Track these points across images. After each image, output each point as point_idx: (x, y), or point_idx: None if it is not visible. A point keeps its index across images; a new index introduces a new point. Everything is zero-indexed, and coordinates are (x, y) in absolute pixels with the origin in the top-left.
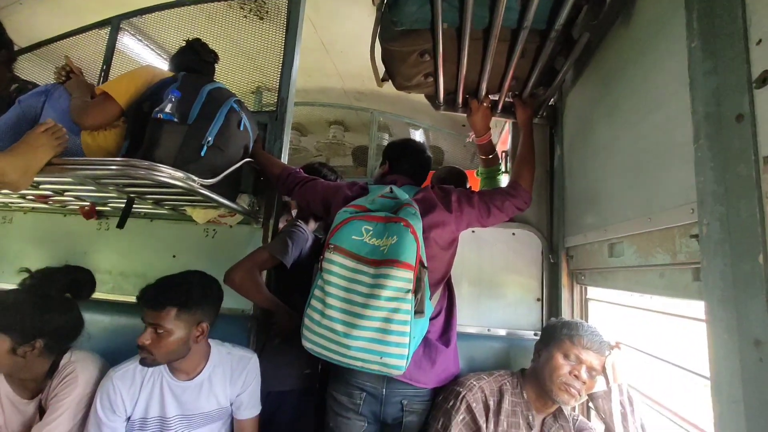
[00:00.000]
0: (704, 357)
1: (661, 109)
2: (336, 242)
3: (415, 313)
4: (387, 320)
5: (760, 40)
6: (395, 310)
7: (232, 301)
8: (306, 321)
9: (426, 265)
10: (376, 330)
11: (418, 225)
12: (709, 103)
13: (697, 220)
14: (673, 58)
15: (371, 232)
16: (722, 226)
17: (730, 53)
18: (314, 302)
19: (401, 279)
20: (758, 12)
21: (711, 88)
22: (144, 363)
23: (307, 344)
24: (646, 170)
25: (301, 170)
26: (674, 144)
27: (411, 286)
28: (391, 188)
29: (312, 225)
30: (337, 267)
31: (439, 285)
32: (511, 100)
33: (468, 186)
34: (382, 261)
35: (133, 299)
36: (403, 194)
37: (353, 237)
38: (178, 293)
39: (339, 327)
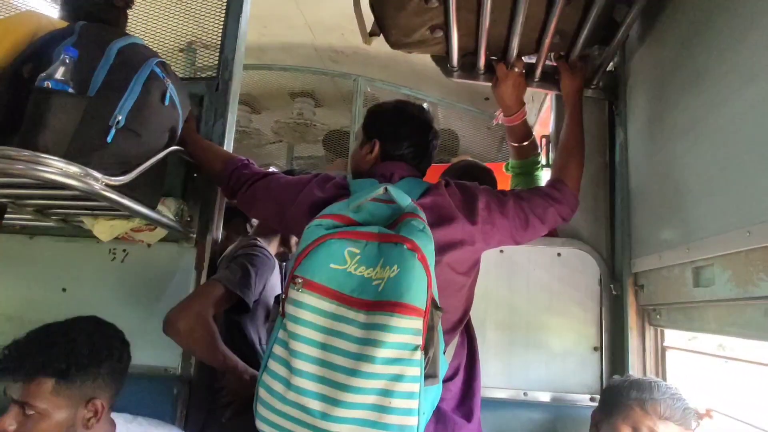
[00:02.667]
0: None
1: (766, 78)
2: (305, 274)
3: (426, 377)
4: (385, 393)
5: None
6: (397, 378)
7: (149, 355)
8: (262, 393)
9: (439, 305)
10: (371, 408)
11: (428, 247)
12: None
13: None
14: None
15: (359, 258)
16: None
17: None
18: (274, 365)
19: (406, 331)
20: None
21: None
22: None
23: (263, 426)
24: (745, 164)
25: (254, 163)
26: None
27: (420, 341)
28: (386, 188)
29: (275, 245)
30: (308, 312)
31: (455, 331)
32: (554, 64)
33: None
34: (377, 303)
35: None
36: (403, 197)
37: (332, 266)
38: (56, 356)
39: (313, 404)
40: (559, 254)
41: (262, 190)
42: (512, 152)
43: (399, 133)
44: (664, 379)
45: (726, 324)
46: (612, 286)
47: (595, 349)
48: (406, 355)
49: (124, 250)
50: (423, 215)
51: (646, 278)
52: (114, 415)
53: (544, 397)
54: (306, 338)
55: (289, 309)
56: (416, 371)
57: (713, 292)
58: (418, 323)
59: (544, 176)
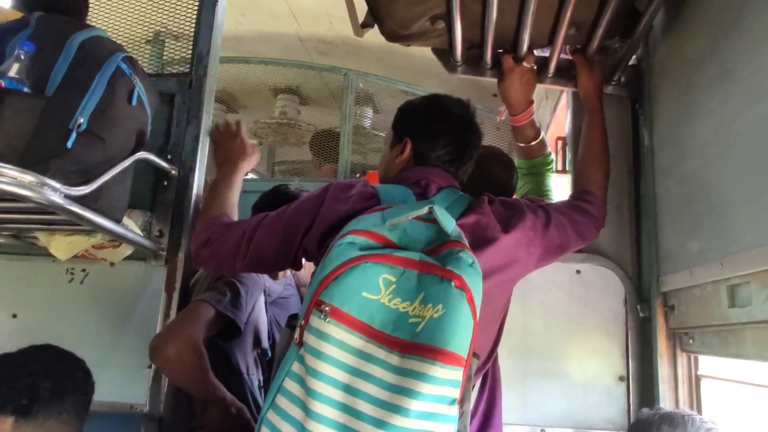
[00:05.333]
0: None
1: None
2: (333, 301)
3: None
4: None
5: None
6: None
7: (113, 390)
8: None
9: (476, 351)
10: None
11: (477, 286)
12: None
13: None
14: None
15: (393, 287)
16: None
17: None
18: (284, 403)
19: (446, 382)
20: None
21: None
22: None
23: None
24: None
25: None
26: None
27: (458, 394)
28: (430, 208)
29: None
30: (333, 347)
31: (480, 375)
32: (570, 58)
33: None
34: (415, 346)
35: None
36: (449, 220)
37: (364, 294)
38: (16, 391)
39: None
40: (578, 271)
41: (266, 237)
42: (518, 152)
43: (434, 131)
44: (699, 412)
45: (767, 349)
46: (639, 307)
47: (621, 378)
48: (442, 410)
49: (84, 270)
50: (466, 242)
51: (677, 298)
52: None
53: None
54: (328, 377)
55: (310, 340)
56: (451, 429)
57: (751, 313)
58: (458, 374)
59: (554, 179)
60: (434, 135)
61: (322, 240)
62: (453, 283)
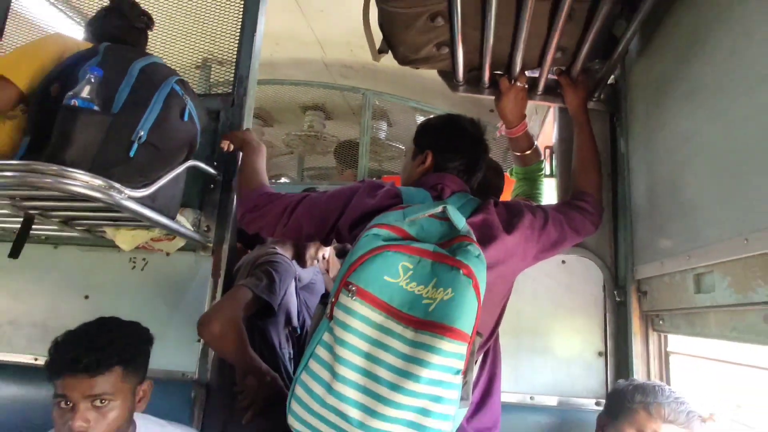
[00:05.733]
0: None
1: (761, 90)
2: (359, 282)
3: (460, 400)
4: (424, 412)
5: None
6: (437, 399)
7: (167, 360)
8: (299, 391)
9: (479, 330)
10: (407, 424)
11: (482, 275)
12: None
13: None
14: None
15: (411, 273)
16: None
17: None
18: (316, 366)
19: (453, 355)
20: None
21: None
22: None
23: (295, 425)
24: (741, 173)
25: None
26: None
27: (462, 365)
28: (444, 208)
29: (291, 253)
30: (358, 321)
31: (482, 350)
32: (557, 78)
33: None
34: (427, 323)
35: (27, 359)
36: (459, 218)
37: (385, 278)
38: (124, 345)
39: (353, 412)
40: (563, 262)
41: (307, 214)
42: (515, 160)
43: (453, 146)
44: (668, 383)
45: (727, 329)
46: (616, 292)
47: (600, 354)
48: (448, 378)
49: (144, 259)
50: (474, 237)
51: (649, 285)
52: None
53: (551, 401)
54: (352, 346)
55: (339, 314)
56: (455, 394)
57: (714, 298)
58: (463, 348)
59: (546, 184)
60: (452, 149)
61: (352, 225)
62: (461, 271)
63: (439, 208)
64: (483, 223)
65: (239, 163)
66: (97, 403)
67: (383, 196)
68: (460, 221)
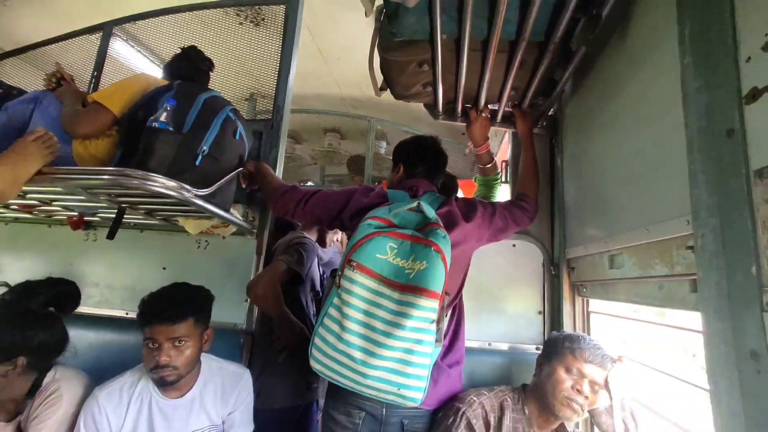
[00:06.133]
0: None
1: (657, 122)
2: (358, 259)
3: (435, 342)
4: (409, 351)
5: (749, 58)
6: (418, 342)
7: (223, 315)
8: (317, 341)
9: (447, 291)
10: (397, 361)
11: (447, 250)
12: (701, 117)
13: (693, 231)
14: (668, 73)
15: (396, 251)
16: (716, 238)
17: (721, 70)
18: (328, 322)
19: (428, 309)
20: (747, 30)
21: (703, 103)
22: (167, 382)
23: (315, 365)
24: (644, 182)
25: (296, 186)
26: (670, 156)
27: (436, 316)
28: (419, 203)
29: (315, 236)
30: (358, 287)
31: (450, 306)
32: (511, 110)
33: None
34: (408, 286)
35: (120, 313)
36: (430, 210)
37: (377, 255)
38: (195, 301)
39: (357, 354)
40: (514, 245)
41: (318, 203)
42: (479, 171)
43: (418, 157)
44: (589, 334)
45: (632, 295)
46: (552, 268)
47: (540, 312)
48: (426, 326)
49: (206, 241)
50: (441, 224)
51: (576, 263)
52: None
53: (503, 346)
54: (355, 306)
55: (344, 283)
56: (431, 338)
57: (623, 272)
58: (435, 304)
59: (502, 189)
60: (418, 159)
61: (352, 217)
62: (432, 248)
63: (415, 204)
64: (447, 213)
65: (260, 177)
66: (177, 343)
67: (375, 196)
68: (431, 212)
